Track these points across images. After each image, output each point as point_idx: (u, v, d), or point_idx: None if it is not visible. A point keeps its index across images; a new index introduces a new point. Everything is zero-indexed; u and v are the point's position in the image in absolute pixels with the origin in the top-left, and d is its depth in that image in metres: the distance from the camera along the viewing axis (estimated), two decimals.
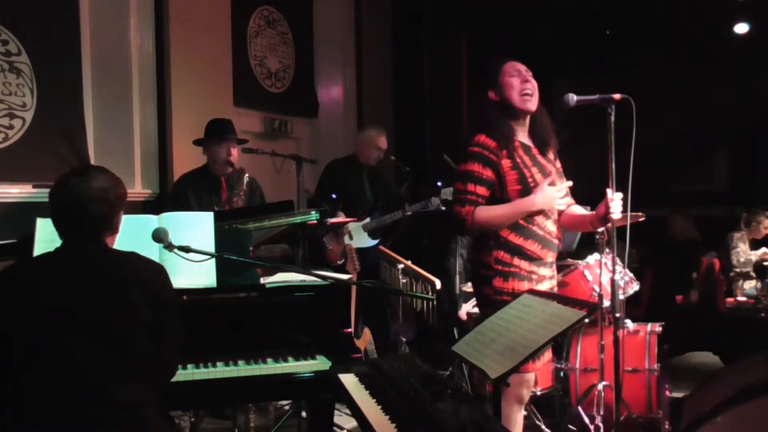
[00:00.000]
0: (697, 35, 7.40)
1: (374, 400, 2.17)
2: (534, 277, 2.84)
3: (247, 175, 4.25)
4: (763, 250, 5.99)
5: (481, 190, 2.81)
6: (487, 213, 2.80)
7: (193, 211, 3.41)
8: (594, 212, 2.90)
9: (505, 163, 2.81)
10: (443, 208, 5.06)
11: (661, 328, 3.92)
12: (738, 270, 5.97)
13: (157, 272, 2.20)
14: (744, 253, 5.97)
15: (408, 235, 5.15)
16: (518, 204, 2.80)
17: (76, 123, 4.38)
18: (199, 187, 4.19)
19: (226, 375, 2.62)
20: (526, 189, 2.80)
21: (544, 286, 2.88)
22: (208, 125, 4.30)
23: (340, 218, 4.74)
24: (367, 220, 5.08)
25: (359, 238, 5.04)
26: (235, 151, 4.24)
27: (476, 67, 7.27)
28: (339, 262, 4.68)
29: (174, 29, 4.82)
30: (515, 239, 2.81)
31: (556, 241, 2.92)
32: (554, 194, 2.82)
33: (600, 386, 3.60)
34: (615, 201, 2.80)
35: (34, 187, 4.01)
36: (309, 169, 5.04)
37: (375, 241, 5.11)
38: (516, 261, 2.81)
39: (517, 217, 2.81)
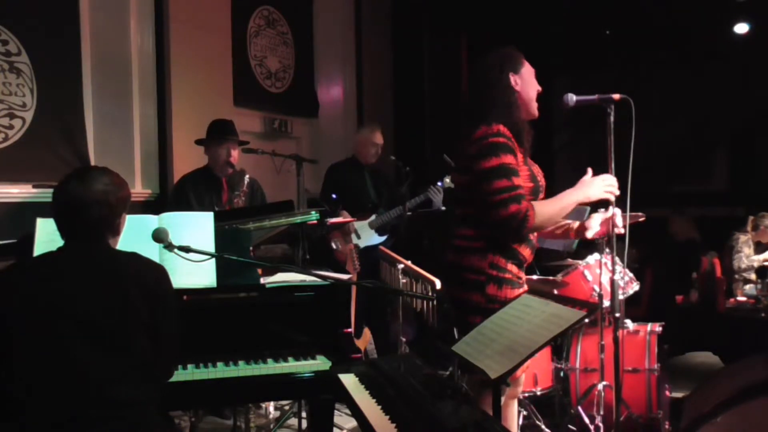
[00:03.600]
0: (697, 35, 7.41)
1: (374, 400, 2.17)
2: (520, 281, 2.72)
3: (247, 175, 4.25)
4: (764, 256, 5.98)
5: (524, 183, 2.56)
6: (544, 209, 2.56)
7: (193, 211, 3.40)
8: (584, 221, 2.81)
9: (519, 157, 2.60)
10: (443, 208, 5.05)
11: (661, 328, 3.92)
12: (737, 276, 5.97)
13: (157, 272, 2.20)
14: (747, 258, 5.96)
15: (408, 235, 5.15)
16: (568, 196, 2.63)
17: (76, 123, 4.38)
18: (200, 188, 4.19)
19: (226, 375, 2.61)
20: (536, 188, 2.64)
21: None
22: (209, 126, 4.30)
23: (341, 218, 4.74)
24: (373, 217, 5.10)
25: (367, 236, 5.05)
26: (235, 152, 4.23)
27: None
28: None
29: (174, 29, 4.82)
30: (512, 242, 2.67)
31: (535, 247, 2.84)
32: (602, 184, 2.66)
33: (600, 386, 3.60)
34: (617, 216, 2.73)
35: (34, 187, 4.02)
36: (309, 169, 5.04)
37: (383, 238, 5.12)
38: (510, 266, 2.64)
39: (568, 211, 2.65)
